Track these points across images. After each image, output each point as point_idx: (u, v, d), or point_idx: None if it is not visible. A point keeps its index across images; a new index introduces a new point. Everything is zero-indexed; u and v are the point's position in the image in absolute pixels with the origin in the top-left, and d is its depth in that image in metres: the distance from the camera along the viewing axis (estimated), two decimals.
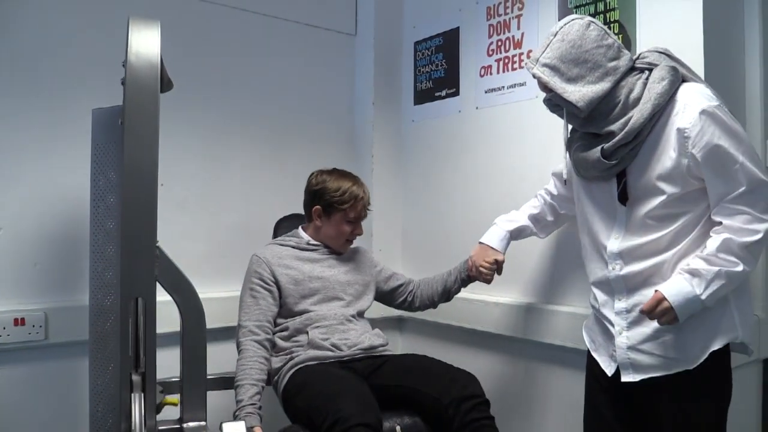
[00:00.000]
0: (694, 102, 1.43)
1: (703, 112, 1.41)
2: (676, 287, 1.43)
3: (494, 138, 2.36)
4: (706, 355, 1.46)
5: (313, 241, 2.11)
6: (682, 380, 1.49)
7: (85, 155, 1.55)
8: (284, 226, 2.26)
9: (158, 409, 1.55)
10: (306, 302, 1.99)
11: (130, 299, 1.39)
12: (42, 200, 2.03)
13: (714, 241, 1.42)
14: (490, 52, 2.37)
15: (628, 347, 1.54)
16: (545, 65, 1.51)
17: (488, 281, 1.97)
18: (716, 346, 1.46)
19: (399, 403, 1.83)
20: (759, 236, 1.40)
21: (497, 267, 1.93)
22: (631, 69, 1.52)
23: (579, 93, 1.48)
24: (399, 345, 2.77)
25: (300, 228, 2.16)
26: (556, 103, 1.57)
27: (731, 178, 1.40)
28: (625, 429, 1.63)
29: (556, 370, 2.14)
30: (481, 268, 1.93)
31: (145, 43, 1.38)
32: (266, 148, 2.53)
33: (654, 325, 1.49)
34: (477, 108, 2.44)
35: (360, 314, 2.08)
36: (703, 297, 1.40)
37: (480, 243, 1.98)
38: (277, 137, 2.56)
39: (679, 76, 1.48)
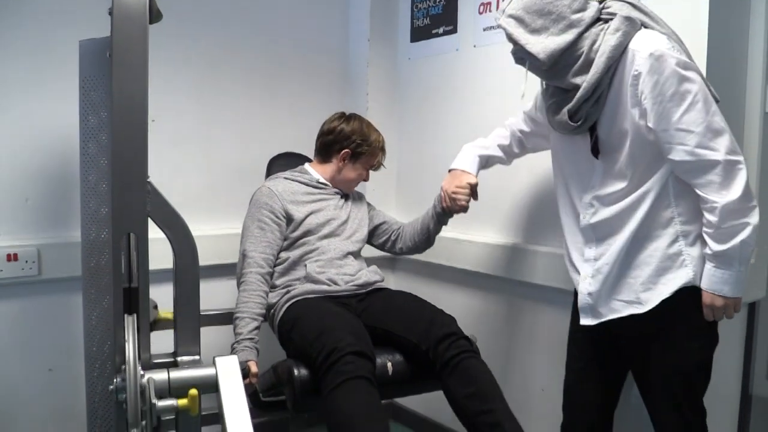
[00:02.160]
0: (643, 47, 1.40)
1: (650, 55, 1.38)
2: (713, 280, 1.43)
3: (492, 77, 2.32)
4: (658, 301, 1.48)
5: (323, 180, 2.12)
6: (657, 325, 1.52)
7: (74, 89, 1.51)
8: (278, 164, 2.24)
9: (152, 326, 1.57)
10: (309, 237, 2.01)
11: (122, 235, 1.38)
12: (31, 135, 2.00)
13: (709, 216, 1.40)
14: None
15: (588, 293, 1.58)
16: (510, 16, 1.48)
17: (464, 208, 1.88)
18: (669, 291, 1.48)
19: (387, 343, 1.86)
20: (737, 195, 1.37)
21: (471, 191, 1.87)
22: (597, 20, 1.47)
23: (541, 45, 1.45)
24: (391, 284, 2.79)
25: (307, 165, 2.15)
26: (520, 56, 1.53)
27: (679, 126, 1.38)
28: (604, 367, 1.69)
29: (542, 308, 2.18)
30: (454, 195, 1.86)
31: None
32: (258, 84, 2.49)
33: (615, 272, 1.53)
34: (475, 46, 2.39)
35: (358, 251, 2.11)
36: (744, 267, 1.42)
37: (450, 170, 1.92)
38: (270, 74, 2.51)
39: (635, 25, 1.44)
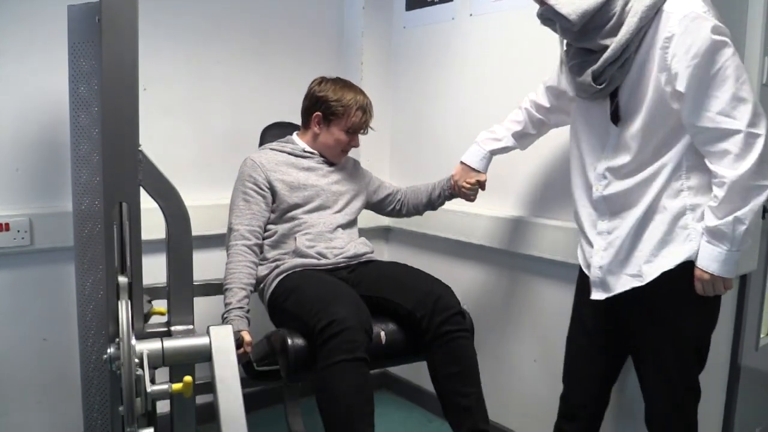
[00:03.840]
0: (677, 9, 1.36)
1: (685, 17, 1.34)
2: (703, 255, 1.41)
3: (488, 47, 2.29)
4: (658, 273, 1.47)
5: (308, 149, 2.08)
6: (656, 298, 1.51)
7: (63, 56, 1.48)
8: (271, 133, 2.22)
9: (146, 318, 1.57)
10: (298, 209, 1.99)
11: (113, 204, 1.37)
12: (20, 104, 1.97)
13: (717, 190, 1.37)
14: None
15: (600, 266, 1.57)
16: None
17: (471, 200, 2.02)
18: (671, 264, 1.46)
19: (380, 311, 1.86)
20: (748, 169, 1.33)
21: (479, 186, 1.97)
22: None
23: (572, 5, 1.40)
24: (385, 255, 2.80)
25: (295, 134, 2.13)
26: (548, 17, 1.49)
27: (706, 91, 1.34)
28: (607, 342, 1.68)
29: (543, 282, 2.18)
30: (463, 189, 1.97)
31: None
32: (251, 53, 2.45)
33: (627, 246, 1.52)
34: (471, 15, 2.35)
35: (349, 223, 2.08)
36: (736, 248, 1.38)
37: (461, 162, 1.98)
38: (263, 42, 2.48)
39: None
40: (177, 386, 1.30)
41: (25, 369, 2.06)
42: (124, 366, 1.25)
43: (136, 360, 1.28)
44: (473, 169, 1.95)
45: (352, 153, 2.18)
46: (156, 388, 1.27)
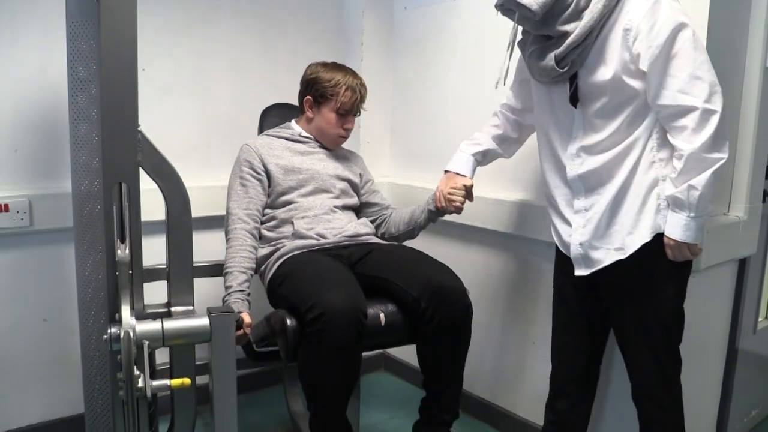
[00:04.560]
0: None
1: (653, 4, 1.39)
2: (670, 223, 1.47)
3: (491, 28, 2.27)
4: (639, 245, 1.51)
5: (305, 134, 2.08)
6: (636, 271, 1.55)
7: (61, 35, 1.47)
8: (271, 114, 2.22)
9: None
10: (294, 193, 1.98)
11: (113, 184, 1.36)
12: (18, 85, 1.96)
13: (676, 162, 1.44)
14: None
15: (580, 243, 1.61)
16: None
17: (459, 210, 1.91)
18: (649, 236, 1.51)
19: (381, 292, 1.84)
20: (703, 142, 1.39)
21: (466, 192, 1.88)
22: None
23: None
24: None
25: (293, 121, 2.13)
26: (508, 7, 1.49)
27: (666, 70, 1.40)
28: (590, 317, 1.72)
29: (542, 265, 2.18)
30: (449, 195, 1.88)
31: None
32: (252, 34, 2.43)
33: (605, 221, 1.56)
34: None
35: (346, 207, 2.07)
36: (694, 214, 1.44)
37: (445, 171, 1.94)
38: (263, 24, 2.46)
39: None
40: (175, 382, 1.31)
41: (26, 349, 2.07)
42: (124, 347, 1.25)
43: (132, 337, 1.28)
44: (458, 174, 1.90)
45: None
46: (155, 383, 1.28)
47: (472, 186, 1.89)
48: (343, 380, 1.68)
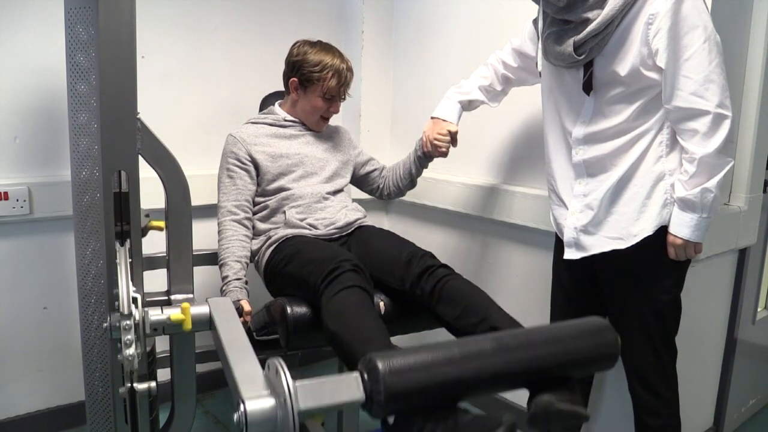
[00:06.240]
0: None
1: (676, 1, 1.38)
2: (675, 221, 1.49)
3: (492, 13, 2.26)
4: (641, 237, 1.52)
5: (289, 117, 2.05)
6: (636, 262, 1.55)
7: (60, 22, 1.46)
8: (271, 102, 2.20)
9: (144, 233, 1.56)
10: (283, 179, 1.97)
11: (112, 172, 1.36)
12: (18, 72, 1.95)
13: (687, 165, 1.45)
14: None
15: (575, 227, 1.62)
16: None
17: (444, 154, 1.95)
18: (652, 229, 1.51)
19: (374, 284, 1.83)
20: (716, 147, 1.41)
21: (451, 138, 1.92)
22: None
23: None
24: (385, 225, 2.79)
25: (276, 104, 2.10)
26: None
27: (682, 71, 1.40)
28: (587, 304, 1.72)
29: (520, 248, 2.22)
30: (435, 141, 1.93)
31: None
32: (251, 22, 2.42)
33: (603, 208, 1.56)
34: None
35: (337, 191, 2.05)
36: (707, 215, 1.46)
37: (432, 117, 1.97)
38: (263, 10, 2.45)
39: None
40: (175, 316, 1.34)
41: (26, 338, 2.07)
42: (124, 335, 1.25)
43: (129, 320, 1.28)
44: (444, 120, 1.94)
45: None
46: (154, 318, 1.31)
47: (456, 132, 1.93)
48: (362, 306, 1.56)
